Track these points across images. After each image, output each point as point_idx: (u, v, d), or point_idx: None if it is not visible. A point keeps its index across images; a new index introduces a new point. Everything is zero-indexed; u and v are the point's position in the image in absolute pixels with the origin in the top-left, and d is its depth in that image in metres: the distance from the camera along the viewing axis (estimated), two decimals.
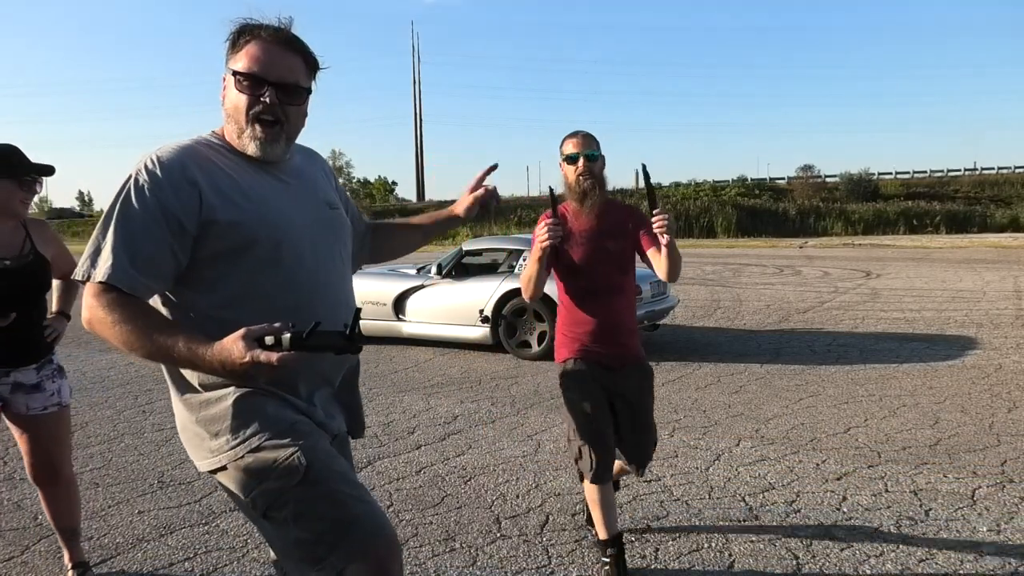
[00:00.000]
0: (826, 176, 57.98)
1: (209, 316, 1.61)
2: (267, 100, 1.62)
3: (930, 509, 3.48)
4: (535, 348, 7.35)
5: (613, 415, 2.89)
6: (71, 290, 3.02)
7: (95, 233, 1.55)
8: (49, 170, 2.73)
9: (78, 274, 1.55)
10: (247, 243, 1.60)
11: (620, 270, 2.87)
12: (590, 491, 2.86)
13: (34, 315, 2.77)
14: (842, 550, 3.08)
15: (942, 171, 58.03)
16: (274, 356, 1.41)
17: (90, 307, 1.54)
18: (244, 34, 1.65)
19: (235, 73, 1.63)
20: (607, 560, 2.87)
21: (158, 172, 1.56)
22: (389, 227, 2.17)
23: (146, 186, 1.55)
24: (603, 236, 2.81)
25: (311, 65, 1.70)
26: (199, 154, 1.62)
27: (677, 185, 55.86)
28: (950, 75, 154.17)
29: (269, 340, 1.44)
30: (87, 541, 3.25)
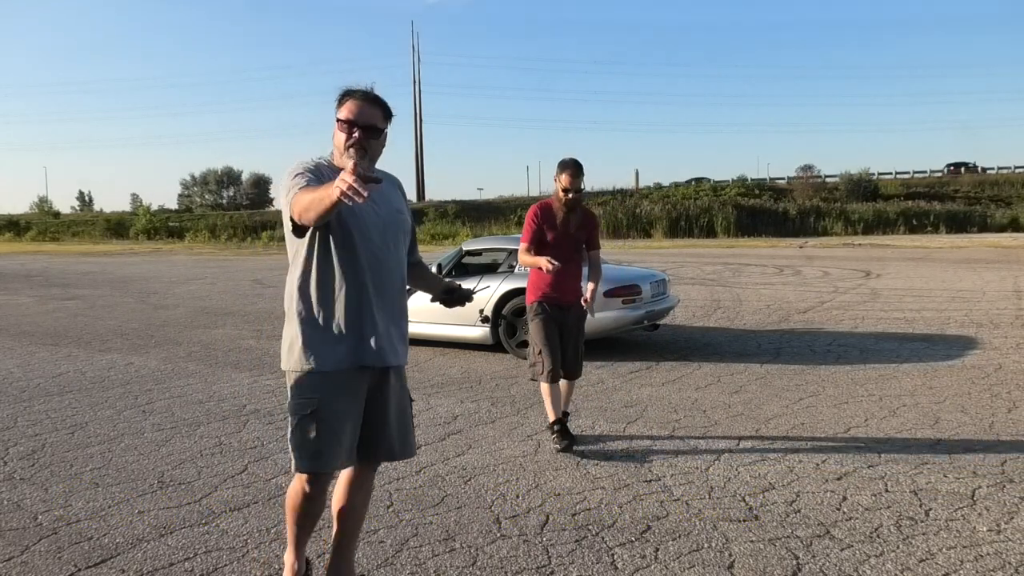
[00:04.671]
0: (826, 176, 57.98)
1: (328, 252, 2.47)
2: (356, 135, 2.43)
3: (930, 509, 3.48)
4: None
5: (560, 339, 4.54)
6: None
7: (282, 193, 2.41)
8: None
9: (287, 198, 2.35)
10: (344, 221, 2.43)
11: (576, 250, 4.58)
12: (545, 389, 4.49)
13: None
14: (842, 550, 3.08)
15: (942, 171, 58.03)
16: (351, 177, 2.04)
17: (294, 203, 2.27)
18: (345, 95, 2.48)
19: (338, 120, 2.46)
20: (555, 432, 4.46)
21: (309, 164, 2.45)
22: (413, 267, 2.87)
23: (306, 168, 2.42)
24: (574, 229, 4.54)
25: (387, 114, 2.51)
26: (320, 165, 2.47)
27: (677, 185, 55.85)
28: (950, 74, 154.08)
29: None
30: (87, 541, 3.26)
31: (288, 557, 2.69)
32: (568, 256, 4.43)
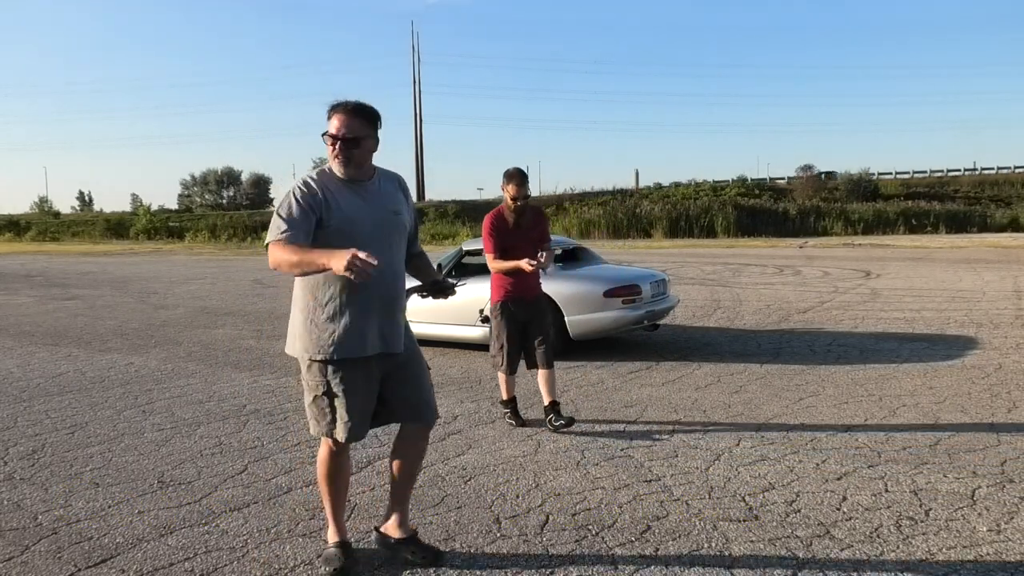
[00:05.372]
0: (826, 176, 57.90)
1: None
2: (334, 147, 2.77)
3: (930, 509, 3.48)
4: None
5: (525, 333, 5.00)
6: None
7: (274, 217, 2.71)
8: None
9: (267, 239, 2.71)
10: (337, 225, 2.75)
11: (533, 246, 4.89)
12: (502, 377, 5.06)
13: None
14: (842, 550, 3.08)
15: (942, 171, 58.00)
16: (361, 254, 2.39)
17: (272, 253, 2.64)
18: (331, 109, 2.78)
19: (324, 134, 2.79)
20: (507, 411, 5.10)
21: (304, 186, 2.77)
22: (413, 258, 3.16)
23: (299, 192, 2.75)
24: (528, 230, 4.98)
25: (371, 120, 2.79)
26: (322, 177, 2.81)
27: (677, 185, 55.82)
28: (950, 74, 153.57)
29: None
30: (87, 541, 3.26)
31: (330, 531, 3.08)
32: (529, 254, 4.84)
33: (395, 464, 3.10)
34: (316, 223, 2.73)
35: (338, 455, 2.98)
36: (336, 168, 2.82)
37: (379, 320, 2.84)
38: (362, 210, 2.80)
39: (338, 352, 2.80)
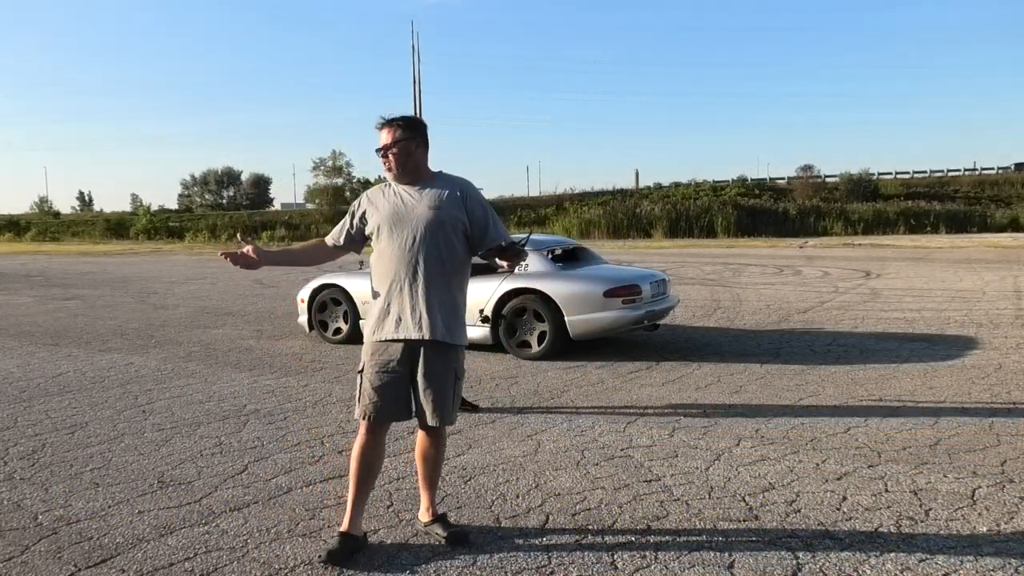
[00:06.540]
0: (826, 176, 57.93)
1: (376, 253, 3.20)
2: (383, 157, 3.19)
3: (930, 509, 3.48)
4: (535, 348, 7.35)
5: None
6: None
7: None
8: None
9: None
10: (375, 222, 3.19)
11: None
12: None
13: None
14: (842, 550, 3.08)
15: (942, 171, 57.98)
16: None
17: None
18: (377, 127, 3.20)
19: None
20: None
21: (361, 196, 3.33)
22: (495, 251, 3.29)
23: (354, 203, 3.34)
24: None
25: (398, 125, 3.14)
26: (377, 189, 3.30)
27: (677, 185, 55.82)
28: (950, 75, 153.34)
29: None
30: (87, 541, 3.26)
31: (346, 515, 3.13)
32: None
33: (418, 455, 3.33)
34: (362, 220, 3.24)
35: (366, 437, 3.13)
36: (386, 175, 3.26)
37: (409, 305, 3.09)
38: (398, 208, 3.15)
39: (372, 331, 3.16)
